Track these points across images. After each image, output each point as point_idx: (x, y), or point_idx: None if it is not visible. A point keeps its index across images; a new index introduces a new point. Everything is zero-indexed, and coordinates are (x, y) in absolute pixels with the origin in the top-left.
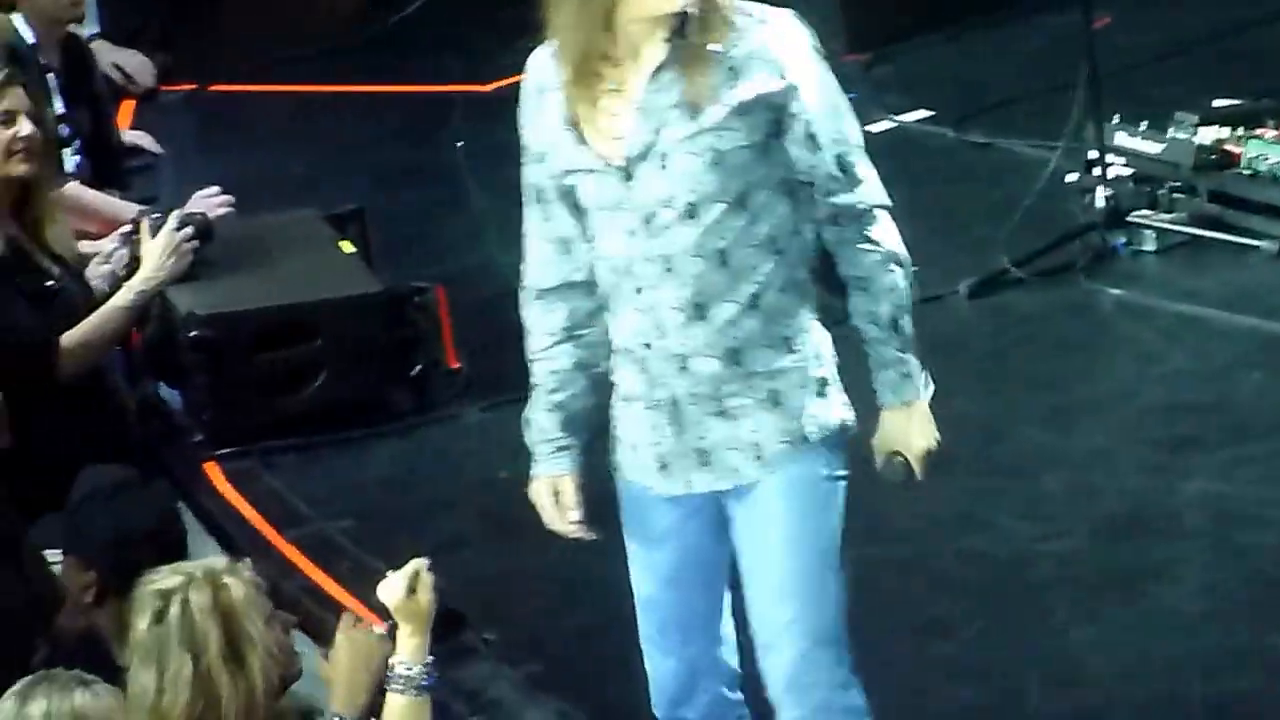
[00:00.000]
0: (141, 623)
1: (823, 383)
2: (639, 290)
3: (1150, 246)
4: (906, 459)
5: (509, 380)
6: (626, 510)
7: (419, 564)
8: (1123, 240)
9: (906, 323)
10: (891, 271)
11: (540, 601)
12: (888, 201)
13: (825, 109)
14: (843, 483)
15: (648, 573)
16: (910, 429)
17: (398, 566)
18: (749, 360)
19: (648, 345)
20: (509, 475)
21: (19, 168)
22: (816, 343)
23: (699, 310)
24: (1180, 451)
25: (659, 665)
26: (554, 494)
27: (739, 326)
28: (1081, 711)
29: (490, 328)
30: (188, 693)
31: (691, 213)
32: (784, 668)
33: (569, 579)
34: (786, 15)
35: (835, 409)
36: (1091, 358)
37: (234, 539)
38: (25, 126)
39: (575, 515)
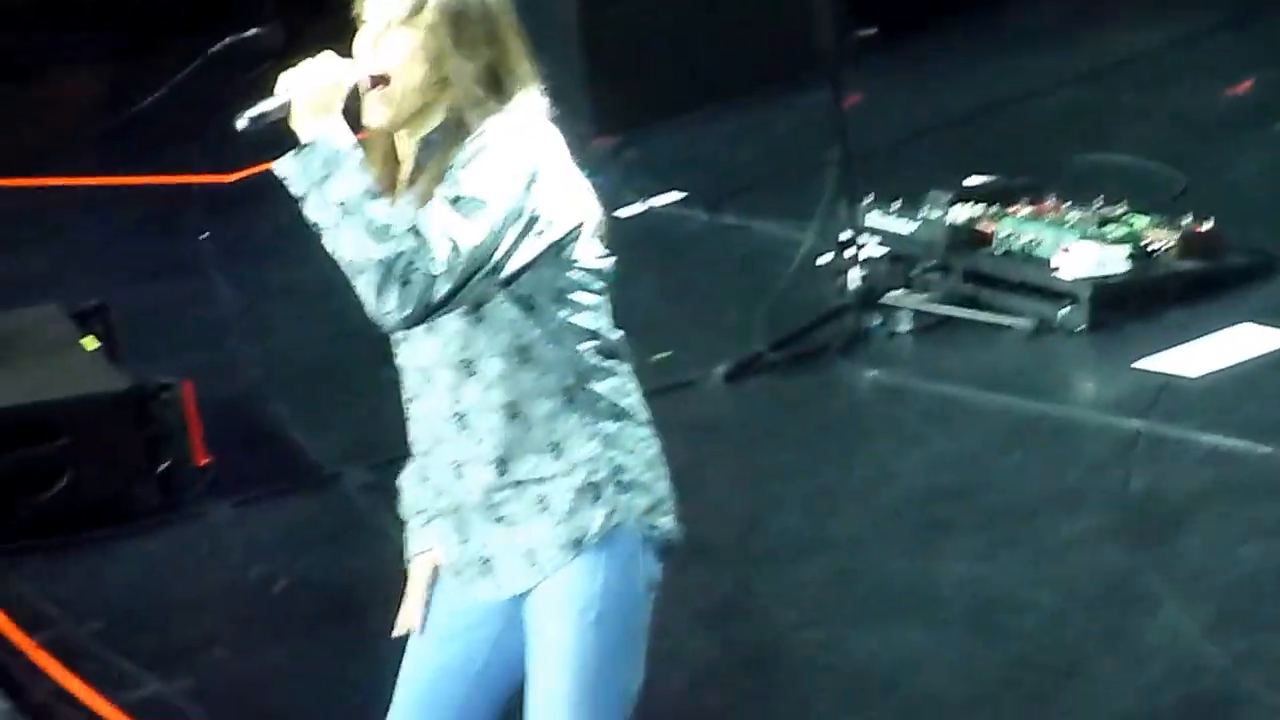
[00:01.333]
0: None
1: (596, 489)
2: (412, 399)
3: (905, 327)
4: None
5: (258, 475)
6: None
7: None
8: (878, 321)
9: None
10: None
11: (294, 702)
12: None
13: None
14: (628, 595)
15: (416, 662)
16: None
17: (148, 667)
18: (518, 467)
19: (426, 453)
20: (261, 574)
21: None
22: (592, 449)
23: (461, 420)
24: (939, 535)
25: None
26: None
27: (499, 434)
28: None
29: (238, 422)
30: None
31: (430, 325)
32: None
33: (325, 678)
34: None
35: (617, 514)
36: (849, 441)
37: None
38: None
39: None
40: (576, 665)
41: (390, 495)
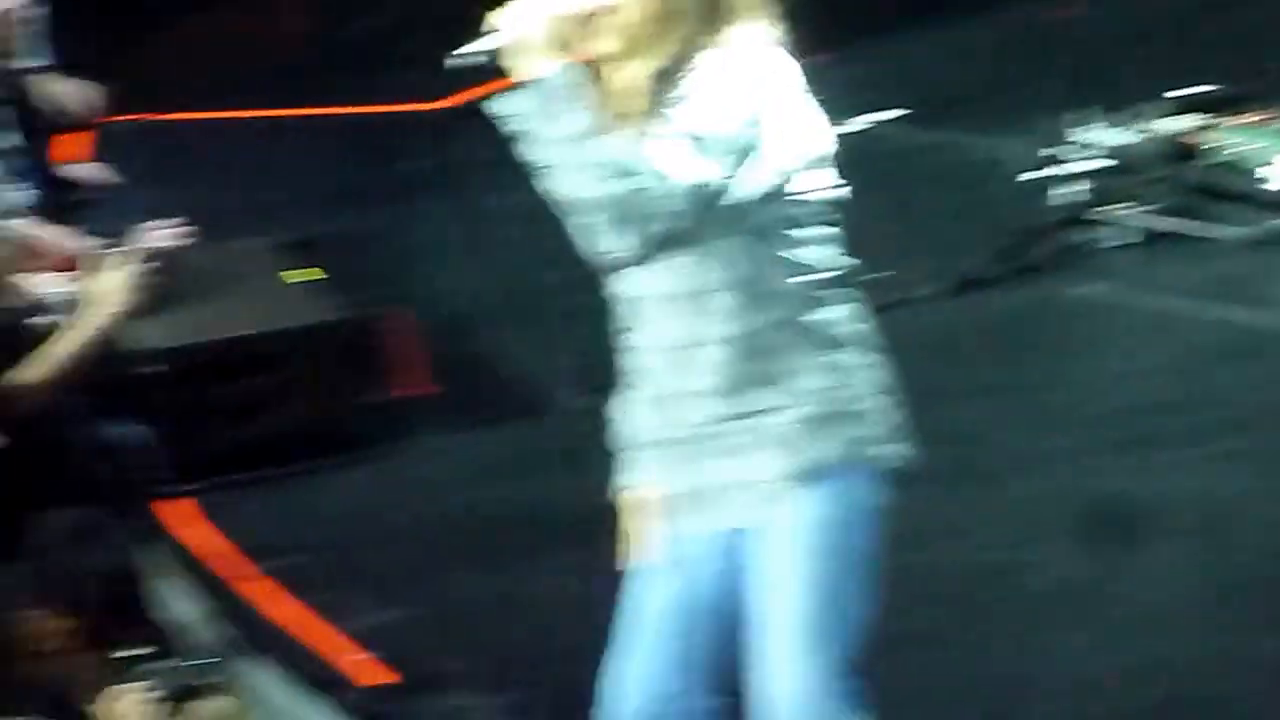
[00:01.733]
0: None
1: (824, 420)
2: (635, 328)
3: (1118, 241)
4: None
5: (477, 403)
6: (643, 540)
7: None
8: (1092, 235)
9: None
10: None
11: (522, 628)
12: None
13: None
14: (861, 523)
15: (644, 597)
16: None
17: (373, 595)
18: (745, 399)
19: (653, 383)
20: (483, 501)
21: None
22: (820, 380)
23: (687, 351)
24: (1156, 449)
25: (623, 693)
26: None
27: (728, 366)
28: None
29: (456, 350)
30: None
31: (660, 259)
32: (784, 711)
33: (548, 606)
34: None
35: (845, 445)
36: (1065, 356)
37: (201, 576)
38: None
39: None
40: (808, 596)
41: (610, 422)
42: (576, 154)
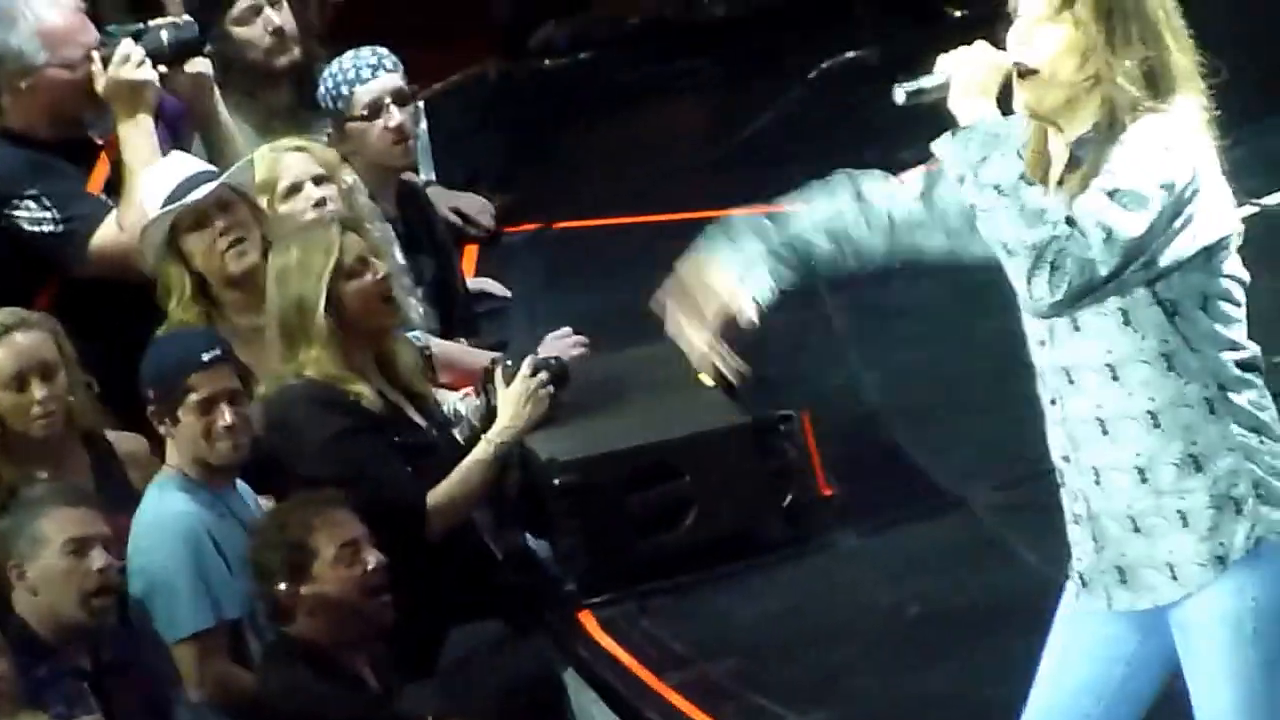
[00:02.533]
0: None
1: (1237, 503)
2: (1053, 402)
3: None
4: None
5: (883, 502)
6: (1058, 617)
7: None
8: None
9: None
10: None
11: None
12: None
13: None
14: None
15: (1051, 683)
16: None
17: (787, 703)
18: (1161, 477)
19: (1066, 459)
20: (894, 601)
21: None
22: (1232, 461)
23: (1102, 425)
24: None
25: None
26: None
27: (1141, 442)
28: None
29: (858, 450)
30: None
31: (1076, 325)
32: None
33: (968, 702)
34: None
35: (1254, 528)
36: None
37: (615, 689)
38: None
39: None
40: (1238, 685)
41: (1018, 513)
42: (1007, 199)
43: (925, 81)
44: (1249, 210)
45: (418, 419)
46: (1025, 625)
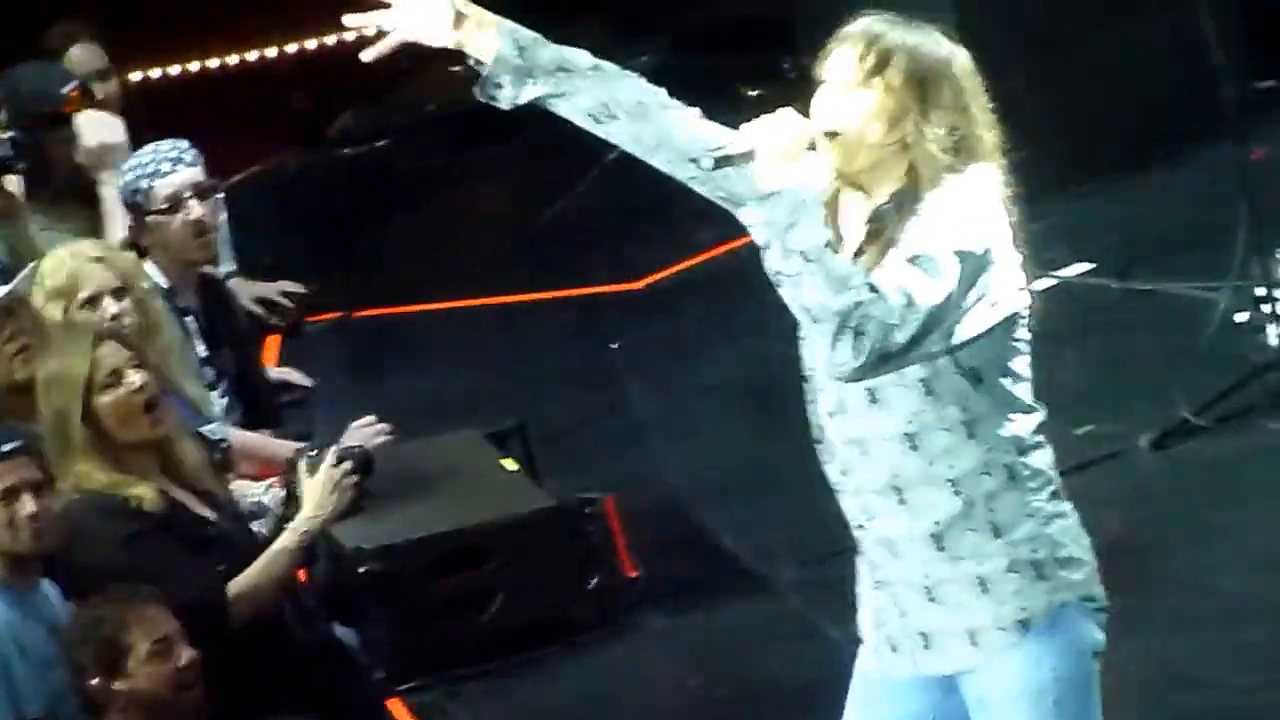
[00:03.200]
0: None
1: (1038, 567)
2: (844, 473)
3: None
4: None
5: (689, 584)
6: (854, 683)
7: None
8: None
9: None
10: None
11: None
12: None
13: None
14: (1080, 677)
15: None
16: None
17: None
18: (958, 544)
19: (861, 527)
20: (703, 683)
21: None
22: (1032, 527)
23: (899, 494)
24: None
25: None
26: None
27: (939, 510)
28: None
29: (662, 532)
30: None
31: (874, 397)
32: None
33: None
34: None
35: (1055, 594)
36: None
37: None
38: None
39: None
40: None
41: (823, 589)
42: (813, 264)
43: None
44: (1049, 282)
45: (207, 513)
46: (832, 701)
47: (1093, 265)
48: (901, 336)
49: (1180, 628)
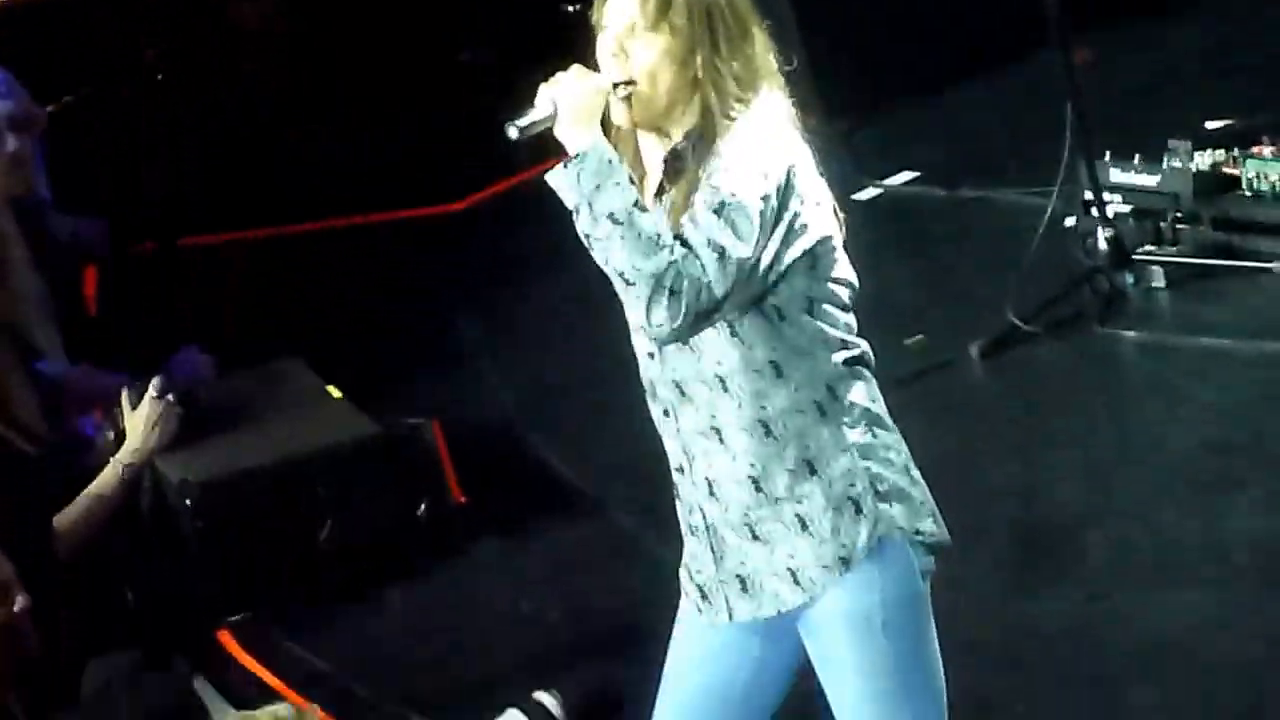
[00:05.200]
0: None
1: (856, 503)
2: (666, 414)
3: (1159, 282)
4: None
5: (520, 510)
6: (676, 628)
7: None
8: (1131, 280)
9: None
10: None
11: None
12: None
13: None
14: (907, 600)
15: (674, 688)
16: None
17: (427, 715)
18: (775, 484)
19: (680, 470)
20: (534, 608)
21: None
22: (847, 462)
23: (719, 435)
24: (1220, 492)
25: None
26: None
27: (755, 452)
28: None
29: (494, 456)
30: None
31: (685, 342)
32: None
33: (626, 699)
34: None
35: (875, 527)
36: (1116, 405)
37: (256, 706)
38: None
39: None
40: (873, 679)
41: (655, 512)
42: (622, 227)
43: (534, 115)
44: (875, 192)
45: (31, 449)
46: (661, 621)
47: (918, 174)
48: (718, 292)
49: (1016, 537)
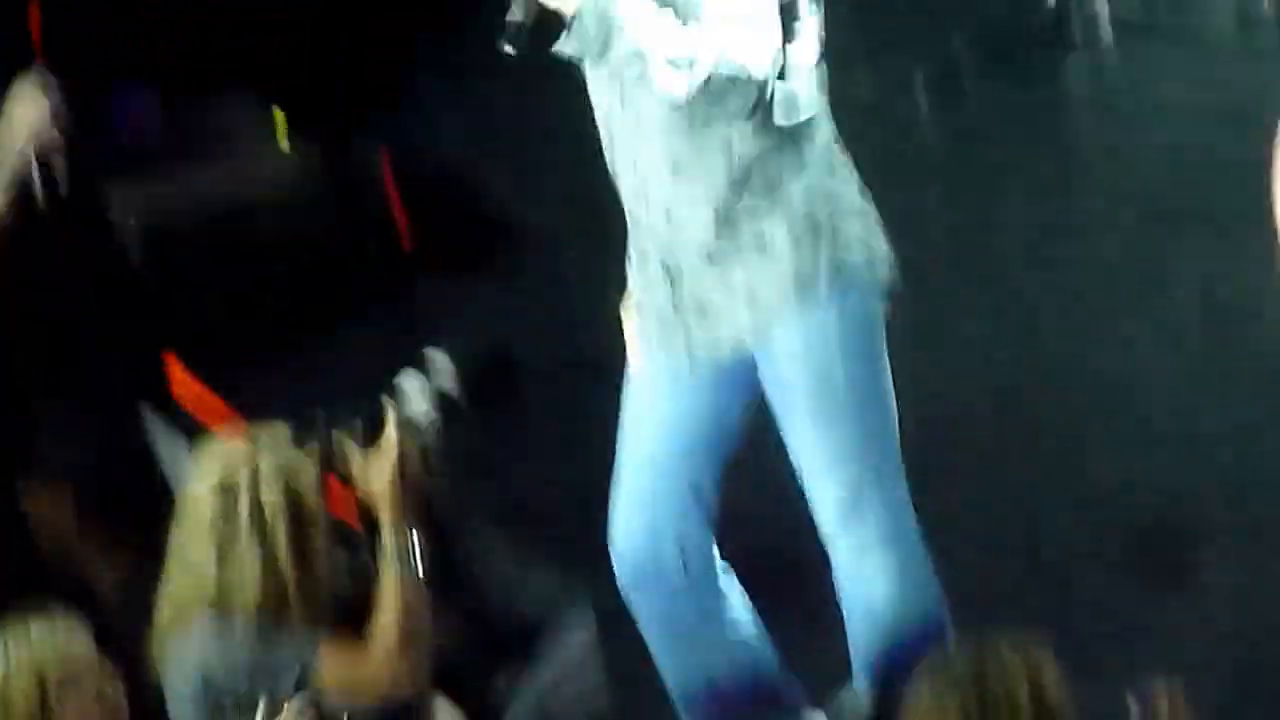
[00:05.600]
0: (203, 501)
1: (815, 223)
2: (625, 155)
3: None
4: None
5: (466, 249)
6: (630, 387)
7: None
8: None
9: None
10: None
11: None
12: None
13: None
14: (864, 319)
15: (640, 432)
16: None
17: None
18: (730, 212)
19: (639, 204)
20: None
21: None
22: (808, 184)
23: (674, 166)
24: (1175, 222)
25: (630, 523)
26: None
27: (714, 178)
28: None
29: (441, 197)
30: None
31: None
32: (831, 507)
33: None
34: None
35: (839, 255)
36: (1063, 149)
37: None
38: None
39: None
40: (833, 400)
41: (605, 254)
42: (646, 65)
43: (514, 13)
44: None
45: None
46: (616, 359)
47: None
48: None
49: (965, 275)
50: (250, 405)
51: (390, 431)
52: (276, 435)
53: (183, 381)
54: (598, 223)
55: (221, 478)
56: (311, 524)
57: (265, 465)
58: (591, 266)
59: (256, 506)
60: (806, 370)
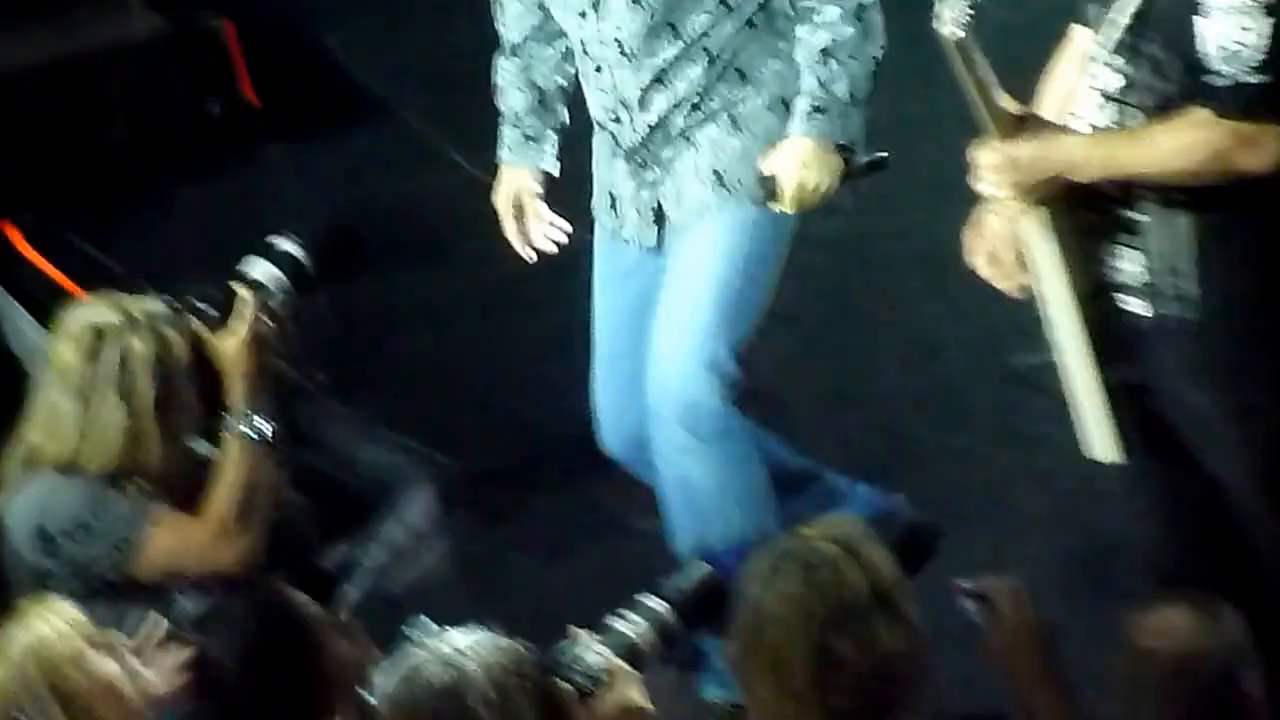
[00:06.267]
0: (70, 354)
1: (785, 104)
2: (598, 69)
3: None
4: (777, 185)
5: (311, 113)
6: (598, 253)
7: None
8: None
9: (841, 62)
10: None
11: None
12: None
13: None
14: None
15: (608, 309)
16: (796, 159)
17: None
18: (710, 104)
19: (616, 119)
20: (327, 212)
21: None
22: (777, 66)
23: (661, 77)
24: None
25: (605, 398)
26: (515, 201)
27: (698, 81)
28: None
29: (288, 58)
30: (119, 440)
31: None
32: (665, 380)
33: (406, 305)
34: None
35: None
36: None
37: (43, 303)
38: None
39: (540, 223)
40: (734, 264)
41: (449, 117)
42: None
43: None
44: None
45: None
46: (463, 227)
47: None
48: None
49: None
50: (93, 271)
51: (242, 302)
52: (141, 299)
53: (23, 250)
54: (438, 88)
55: (94, 324)
56: (177, 376)
57: (137, 311)
58: (434, 133)
59: (126, 353)
60: (725, 230)
